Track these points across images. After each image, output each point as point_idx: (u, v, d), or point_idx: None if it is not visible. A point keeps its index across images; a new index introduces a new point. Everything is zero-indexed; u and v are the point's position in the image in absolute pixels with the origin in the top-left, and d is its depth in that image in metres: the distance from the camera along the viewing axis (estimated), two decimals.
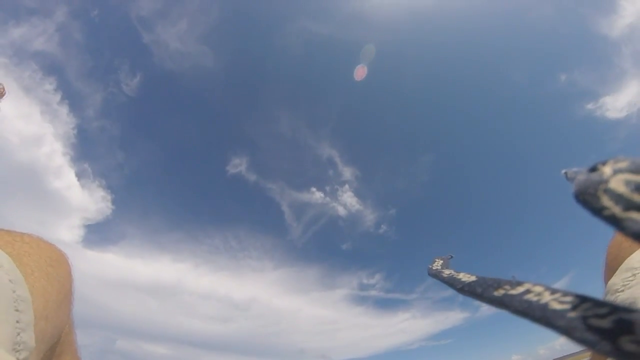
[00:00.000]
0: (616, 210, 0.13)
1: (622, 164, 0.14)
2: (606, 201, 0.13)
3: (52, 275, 0.42)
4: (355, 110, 14.45)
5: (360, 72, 12.59)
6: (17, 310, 0.30)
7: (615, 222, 0.13)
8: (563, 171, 0.19)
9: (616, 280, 0.39)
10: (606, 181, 0.14)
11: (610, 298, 0.38)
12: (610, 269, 0.44)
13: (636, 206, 0.13)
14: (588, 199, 0.14)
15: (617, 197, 0.13)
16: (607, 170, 0.14)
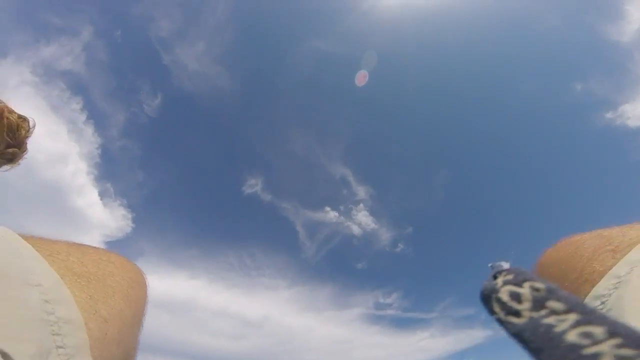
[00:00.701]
0: (501, 315, 0.18)
1: (509, 277, 0.19)
2: (496, 307, 0.19)
3: (132, 297, 0.41)
4: (367, 129, 14.49)
5: (361, 78, 12.69)
6: (56, 334, 0.27)
7: (502, 324, 0.18)
8: (489, 264, 0.25)
9: (602, 290, 0.33)
10: (497, 290, 0.19)
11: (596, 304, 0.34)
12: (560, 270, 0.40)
13: (513, 311, 0.18)
14: (486, 302, 0.19)
15: (502, 305, 0.18)
16: (499, 281, 0.20)
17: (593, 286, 0.33)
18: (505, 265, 0.22)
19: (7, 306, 0.25)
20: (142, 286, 0.45)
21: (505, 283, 0.19)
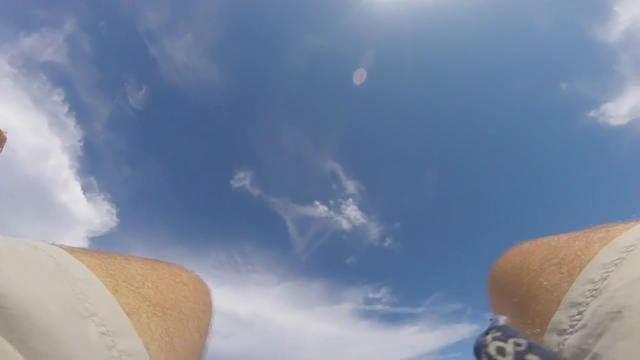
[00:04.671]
0: None
1: (498, 333, 0.23)
2: (484, 359, 0.22)
3: (203, 323, 0.38)
4: (358, 124, 14.48)
5: (359, 76, 12.76)
6: None
7: None
8: (489, 318, 0.28)
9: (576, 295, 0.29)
10: (486, 345, 0.22)
11: (573, 312, 0.28)
12: (513, 288, 0.37)
13: None
14: (477, 354, 0.23)
15: (489, 357, 0.22)
16: (489, 337, 0.23)
17: (539, 304, 0.31)
18: (502, 319, 0.26)
19: (68, 347, 0.21)
20: (210, 308, 0.43)
21: (494, 339, 0.23)
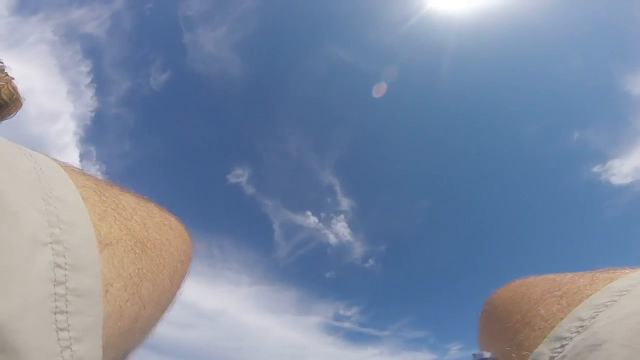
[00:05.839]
0: None
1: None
2: None
3: (178, 272, 0.35)
4: (364, 144, 14.43)
5: (379, 89, 12.80)
6: (60, 313, 0.19)
7: None
8: (472, 353, 0.28)
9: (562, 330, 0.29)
10: None
11: (556, 345, 0.29)
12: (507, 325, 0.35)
13: None
14: None
15: None
16: None
17: (533, 330, 0.31)
18: (487, 355, 0.25)
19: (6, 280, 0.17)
20: (189, 260, 0.39)
21: None
